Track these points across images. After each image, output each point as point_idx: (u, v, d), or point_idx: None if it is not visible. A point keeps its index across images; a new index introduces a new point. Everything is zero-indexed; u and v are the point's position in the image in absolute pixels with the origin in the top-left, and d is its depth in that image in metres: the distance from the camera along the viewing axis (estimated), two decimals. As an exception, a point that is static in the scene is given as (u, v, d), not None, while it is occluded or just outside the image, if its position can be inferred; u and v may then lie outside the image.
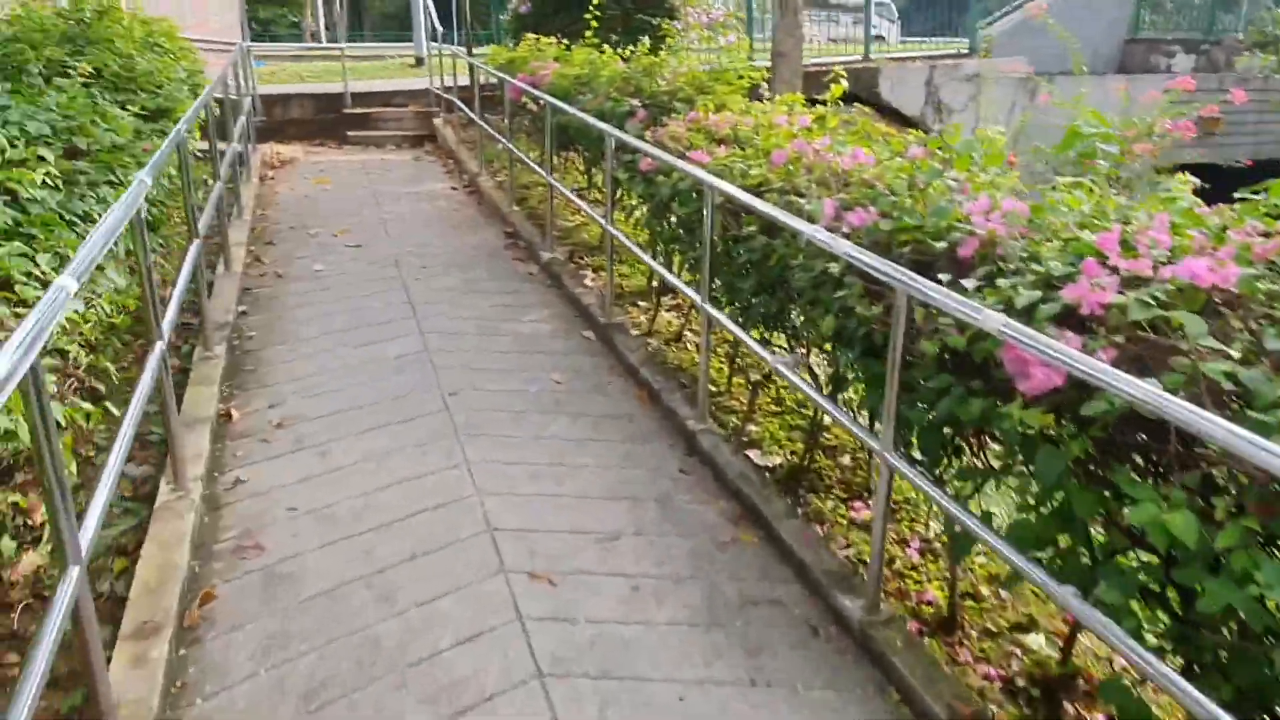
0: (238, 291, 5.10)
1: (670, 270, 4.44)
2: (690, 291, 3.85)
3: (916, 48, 15.44)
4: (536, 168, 6.31)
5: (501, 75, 7.37)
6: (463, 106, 9.08)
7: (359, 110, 10.63)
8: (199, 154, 7.16)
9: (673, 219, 4.42)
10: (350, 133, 10.37)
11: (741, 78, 5.75)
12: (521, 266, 6.00)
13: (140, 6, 7.43)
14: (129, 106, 5.29)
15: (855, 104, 7.11)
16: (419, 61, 15.16)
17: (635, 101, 5.36)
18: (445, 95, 10.17)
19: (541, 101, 6.09)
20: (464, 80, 10.14)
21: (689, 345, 4.76)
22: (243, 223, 6.41)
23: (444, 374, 4.23)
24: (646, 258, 4.50)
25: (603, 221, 4.79)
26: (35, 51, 5.50)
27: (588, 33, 8.13)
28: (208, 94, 5.14)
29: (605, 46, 7.98)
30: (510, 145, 6.96)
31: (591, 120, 5.01)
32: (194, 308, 4.44)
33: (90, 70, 5.57)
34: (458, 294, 5.38)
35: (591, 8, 8.23)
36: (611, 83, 6.08)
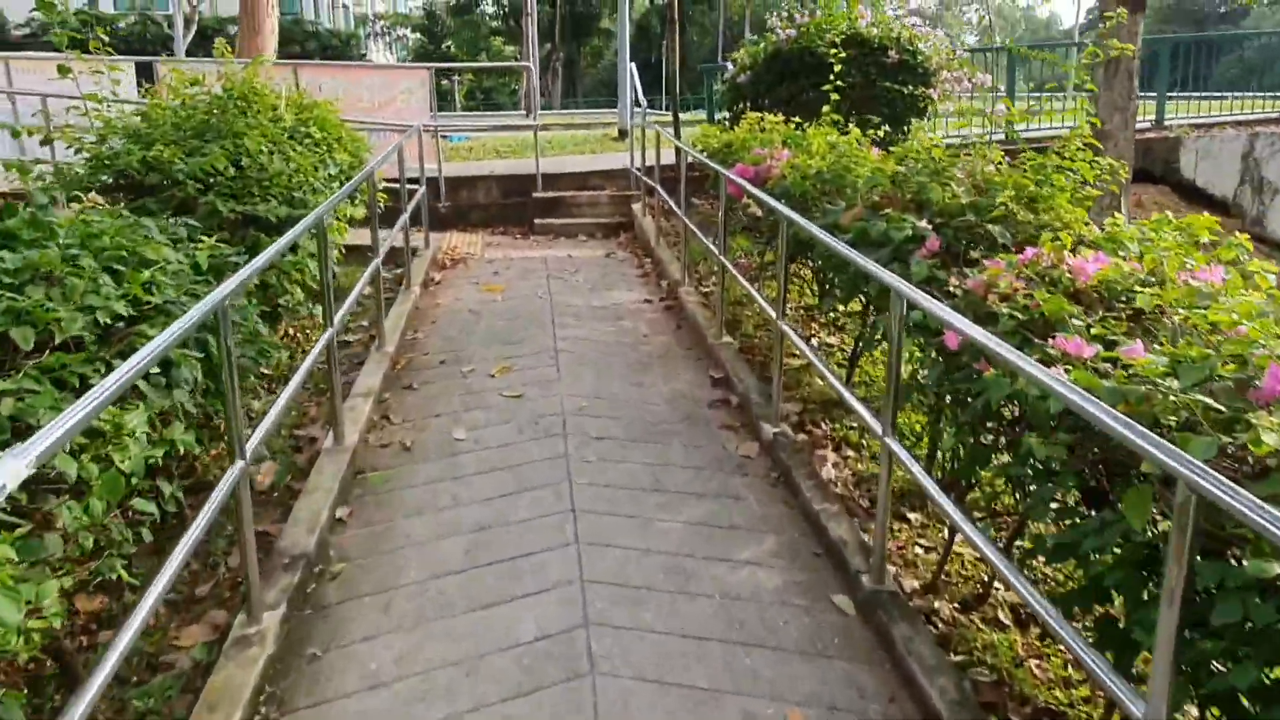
0: (341, 481, 3.65)
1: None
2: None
3: (1218, 107, 12.50)
4: (761, 301, 4.54)
5: (715, 166, 5.72)
6: (665, 195, 7.54)
7: (550, 194, 9.41)
8: (343, 250, 6.00)
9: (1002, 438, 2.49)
10: (538, 220, 9.15)
11: (1087, 183, 3.72)
12: (734, 442, 4.22)
13: (302, 92, 6.46)
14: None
15: (1149, 183, 5.23)
16: (622, 134, 14.02)
17: (922, 223, 3.50)
18: (646, 178, 8.72)
19: (769, 208, 4.34)
20: (669, 157, 8.68)
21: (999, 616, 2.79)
22: (382, 356, 5.07)
23: (608, 693, 2.49)
24: (955, 513, 2.55)
25: (875, 425, 2.92)
26: (143, 151, 4.44)
27: (825, 107, 6.39)
28: (317, 216, 3.73)
29: (847, 125, 6.21)
30: (724, 260, 5.26)
31: (853, 255, 3.18)
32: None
33: (203, 174, 4.43)
34: (641, 496, 3.67)
35: (832, 75, 6.46)
36: (873, 185, 4.25)
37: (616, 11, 46.35)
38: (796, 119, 7.30)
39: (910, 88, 7.87)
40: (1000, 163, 4.20)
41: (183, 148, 4.64)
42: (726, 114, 8.99)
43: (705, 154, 6.54)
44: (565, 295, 6.65)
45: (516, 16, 48.92)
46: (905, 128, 8.02)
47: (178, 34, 36.75)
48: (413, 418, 4.45)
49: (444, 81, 60.42)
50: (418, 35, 61.13)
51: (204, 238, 3.71)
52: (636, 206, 9.22)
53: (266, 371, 4.66)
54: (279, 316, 4.67)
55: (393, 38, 64.92)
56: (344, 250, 6.42)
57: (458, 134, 15.12)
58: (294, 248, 4.47)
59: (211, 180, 4.54)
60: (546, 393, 4.76)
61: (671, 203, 7.18)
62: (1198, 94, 12.85)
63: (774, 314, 4.12)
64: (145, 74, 9.52)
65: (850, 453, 4.31)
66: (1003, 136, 9.81)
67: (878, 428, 2.87)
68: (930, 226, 3.51)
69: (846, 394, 3.27)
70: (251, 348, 3.50)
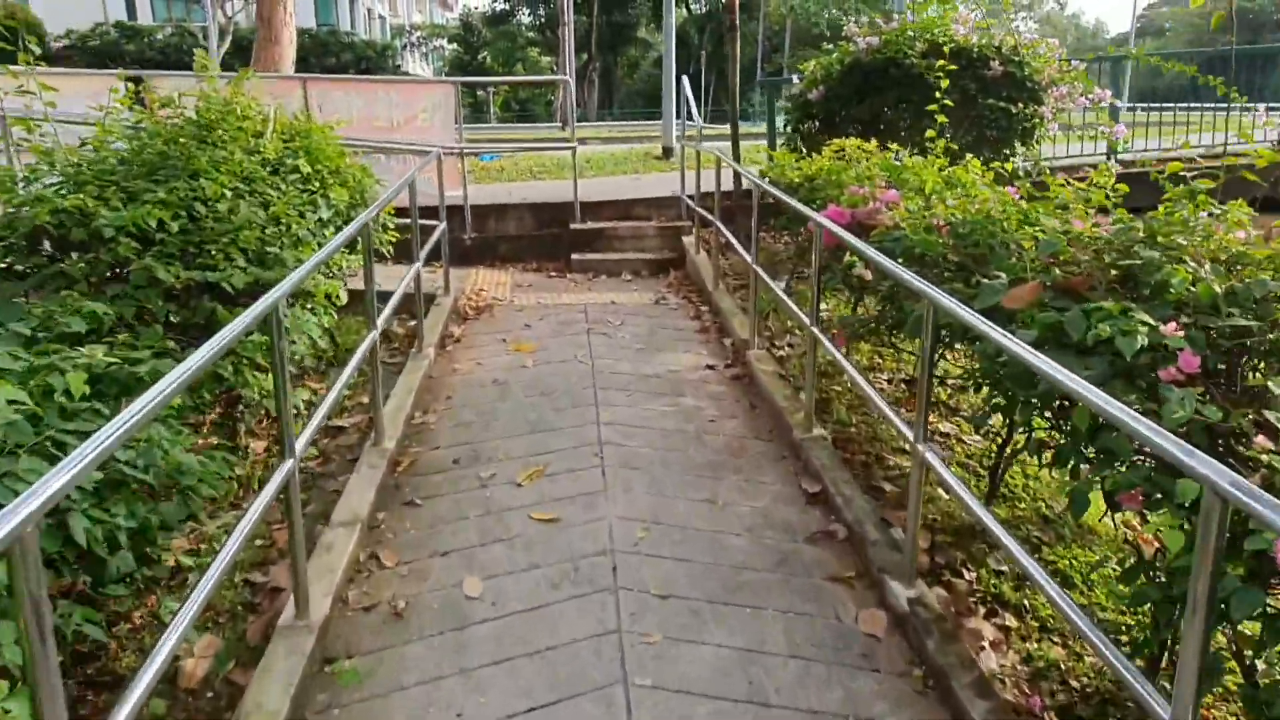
0: (297, 685, 2.51)
1: None
2: None
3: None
4: (896, 420, 3.30)
5: (799, 206, 4.53)
6: (725, 233, 6.38)
7: (589, 225, 8.28)
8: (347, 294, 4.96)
9: None
10: (576, 255, 8.02)
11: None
12: (850, 607, 3.03)
13: (301, 114, 5.42)
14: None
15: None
16: (667, 153, 12.88)
17: (1168, 327, 2.29)
18: (701, 209, 7.56)
19: (896, 279, 3.14)
20: (725, 181, 7.54)
21: None
22: (379, 455, 3.94)
23: None
24: None
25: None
26: (62, 199, 3.37)
27: (923, 130, 5.20)
28: (268, 306, 2.58)
29: (949, 152, 5.04)
30: (815, 331, 4.06)
31: (1062, 377, 1.97)
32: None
33: (141, 229, 3.36)
34: (731, 715, 2.51)
35: (938, 90, 5.27)
36: (1051, 250, 3.04)
37: (653, 22, 45.29)
38: (888, 144, 6.13)
39: (1018, 105, 6.63)
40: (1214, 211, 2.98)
41: (124, 192, 3.58)
42: (796, 136, 7.82)
43: (781, 187, 5.36)
44: (610, 357, 5.49)
45: (553, 26, 48.15)
46: (1010, 153, 6.79)
47: (212, 46, 36.35)
48: (411, 557, 3.32)
49: (479, 93, 60.00)
50: (453, 46, 60.69)
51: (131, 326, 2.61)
52: (688, 240, 8.06)
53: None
54: (240, 418, 3.58)
55: (429, 48, 64.62)
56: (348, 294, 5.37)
57: (489, 153, 14.08)
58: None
59: (157, 236, 3.47)
60: (590, 513, 3.61)
61: (736, 243, 6.02)
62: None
63: (911, 434, 2.92)
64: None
65: (1010, 618, 3.10)
66: (1117, 158, 8.52)
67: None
68: (1178, 323, 2.32)
69: (1031, 567, 2.06)
70: (167, 507, 2.39)
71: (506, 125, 39.06)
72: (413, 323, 5.68)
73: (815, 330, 4.09)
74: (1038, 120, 6.76)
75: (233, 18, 41.15)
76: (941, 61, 6.03)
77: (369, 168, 5.67)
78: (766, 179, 5.77)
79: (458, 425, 4.50)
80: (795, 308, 4.47)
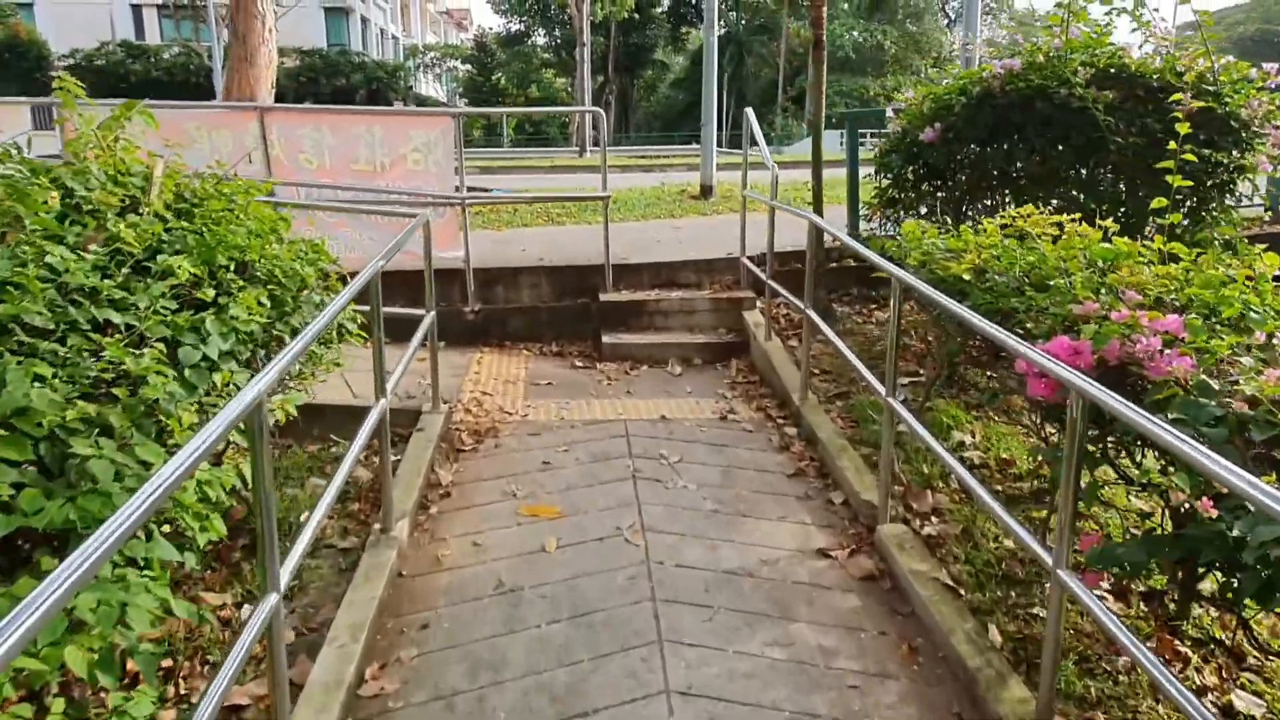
0: None
1: None
2: None
3: None
4: None
5: (1006, 338, 2.69)
6: (834, 339, 4.56)
7: (624, 295, 6.50)
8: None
9: None
10: (609, 337, 6.22)
11: None
12: None
13: (196, 178, 3.67)
14: None
15: None
16: (705, 191, 11.11)
17: None
18: (773, 281, 5.74)
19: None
20: (784, 232, 5.80)
21: None
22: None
23: None
24: None
25: None
26: None
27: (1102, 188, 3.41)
28: None
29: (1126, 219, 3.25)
30: (1068, 579, 2.24)
31: None
32: None
33: None
34: None
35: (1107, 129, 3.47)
36: None
37: (671, 44, 43.66)
38: (1040, 201, 4.37)
39: (1221, 152, 4.82)
40: None
41: None
42: (889, 184, 6.03)
43: (933, 280, 3.53)
44: (670, 529, 3.67)
45: (569, 48, 46.80)
46: (1207, 215, 4.98)
47: (216, 66, 35.00)
48: None
49: (493, 114, 58.63)
50: (467, 67, 59.49)
51: None
52: (752, 318, 6.27)
53: None
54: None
55: (443, 69, 63.47)
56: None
57: (499, 188, 12.36)
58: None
59: None
60: None
61: (854, 358, 4.20)
62: None
63: None
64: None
65: None
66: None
67: None
68: None
69: None
70: None
71: (519, 150, 37.50)
72: (377, 460, 3.87)
73: (1064, 577, 2.26)
74: (1246, 170, 4.94)
75: (239, 37, 39.84)
76: (1089, 90, 4.28)
77: (322, 245, 3.90)
78: (905, 263, 3.95)
79: (432, 691, 2.68)
80: (1012, 523, 2.63)
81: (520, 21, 54.37)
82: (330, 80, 46.80)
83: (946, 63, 59.00)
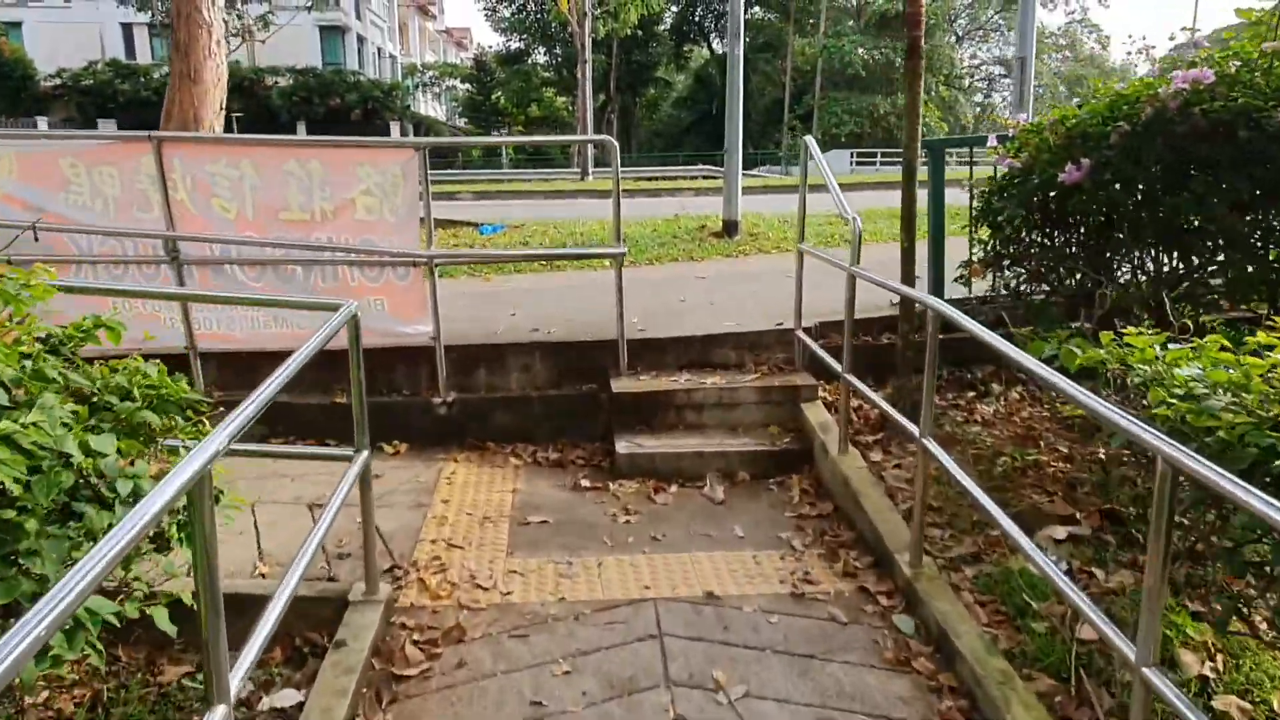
0: None
1: None
2: None
3: None
4: None
5: None
6: (958, 474, 2.98)
7: (643, 382, 4.93)
8: None
9: None
10: (624, 441, 4.64)
11: None
12: None
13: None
14: None
15: None
16: (729, 229, 9.55)
17: None
18: (851, 376, 4.16)
19: None
20: (824, 287, 4.29)
21: None
22: None
23: None
24: None
25: None
26: None
27: None
28: None
29: None
30: None
31: None
32: None
33: None
34: None
35: None
36: None
37: (674, 62, 42.28)
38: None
39: None
40: None
41: None
42: (1002, 239, 4.48)
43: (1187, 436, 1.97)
44: None
45: (569, 66, 45.47)
46: None
47: (203, 85, 33.61)
48: None
49: (492, 133, 57.36)
50: (466, 86, 58.27)
51: None
52: (813, 414, 4.69)
53: None
54: None
55: (442, 89, 62.30)
56: None
57: (490, 224, 10.83)
58: None
59: None
60: None
61: (991, 506, 2.63)
62: None
63: None
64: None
65: None
66: None
67: None
68: None
69: None
70: None
71: (519, 172, 36.06)
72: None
73: None
74: None
75: (229, 55, 38.55)
76: None
77: (162, 370, 2.35)
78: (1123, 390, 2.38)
79: None
80: None
81: (520, 40, 53.18)
82: (324, 100, 45.52)
83: (958, 79, 57.68)
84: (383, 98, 46.00)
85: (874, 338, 5.35)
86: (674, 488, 4.39)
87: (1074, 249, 4.35)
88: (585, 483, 4.44)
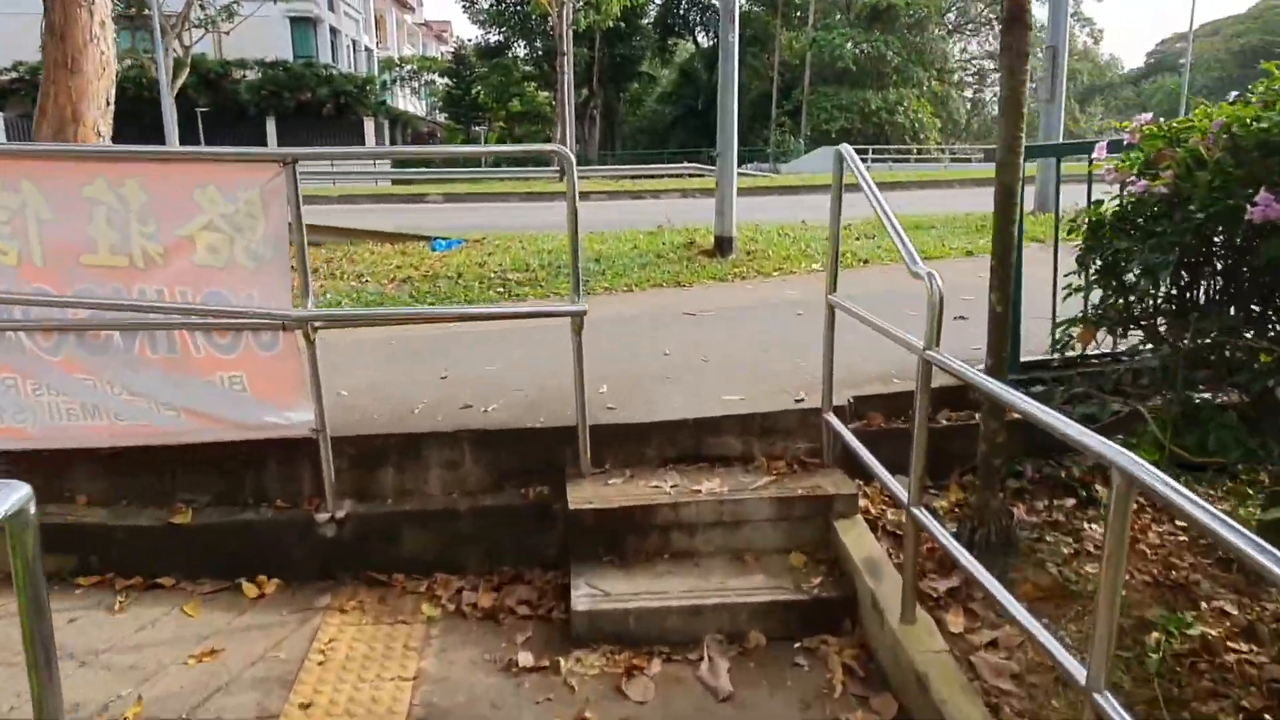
0: None
1: None
2: None
3: None
4: None
5: None
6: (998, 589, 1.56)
7: (613, 490, 3.50)
8: None
9: None
10: (584, 591, 3.21)
11: None
12: None
13: None
14: None
15: None
16: (722, 246, 8.14)
17: None
18: (897, 488, 2.76)
19: None
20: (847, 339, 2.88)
21: None
22: None
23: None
24: None
25: None
26: None
27: None
28: None
29: None
30: None
31: None
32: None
33: None
34: None
35: None
36: None
37: (659, 55, 40.76)
38: None
39: None
40: None
41: None
42: (1105, 285, 3.10)
43: None
44: None
45: (551, 59, 43.81)
46: None
47: (163, 79, 31.95)
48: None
49: (473, 128, 55.74)
50: (445, 81, 56.56)
51: None
52: (854, 539, 3.29)
53: None
54: None
55: (420, 83, 60.55)
56: None
57: (445, 239, 9.37)
58: None
59: None
60: None
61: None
62: None
63: None
64: None
65: None
66: None
67: None
68: None
69: None
70: None
71: (494, 171, 34.41)
72: None
73: None
74: None
75: (191, 47, 36.69)
76: None
77: None
78: None
79: None
80: None
81: (499, 32, 51.57)
82: (294, 94, 43.68)
83: (950, 74, 56.17)
84: (356, 92, 44.28)
85: (905, 421, 3.94)
86: (655, 666, 2.97)
87: (1248, 312, 2.95)
88: (526, 658, 3.01)
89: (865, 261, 7.90)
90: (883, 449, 3.28)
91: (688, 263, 7.81)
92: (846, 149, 3.38)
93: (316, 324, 3.37)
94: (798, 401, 3.88)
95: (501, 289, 7.04)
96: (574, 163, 3.34)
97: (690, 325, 5.60)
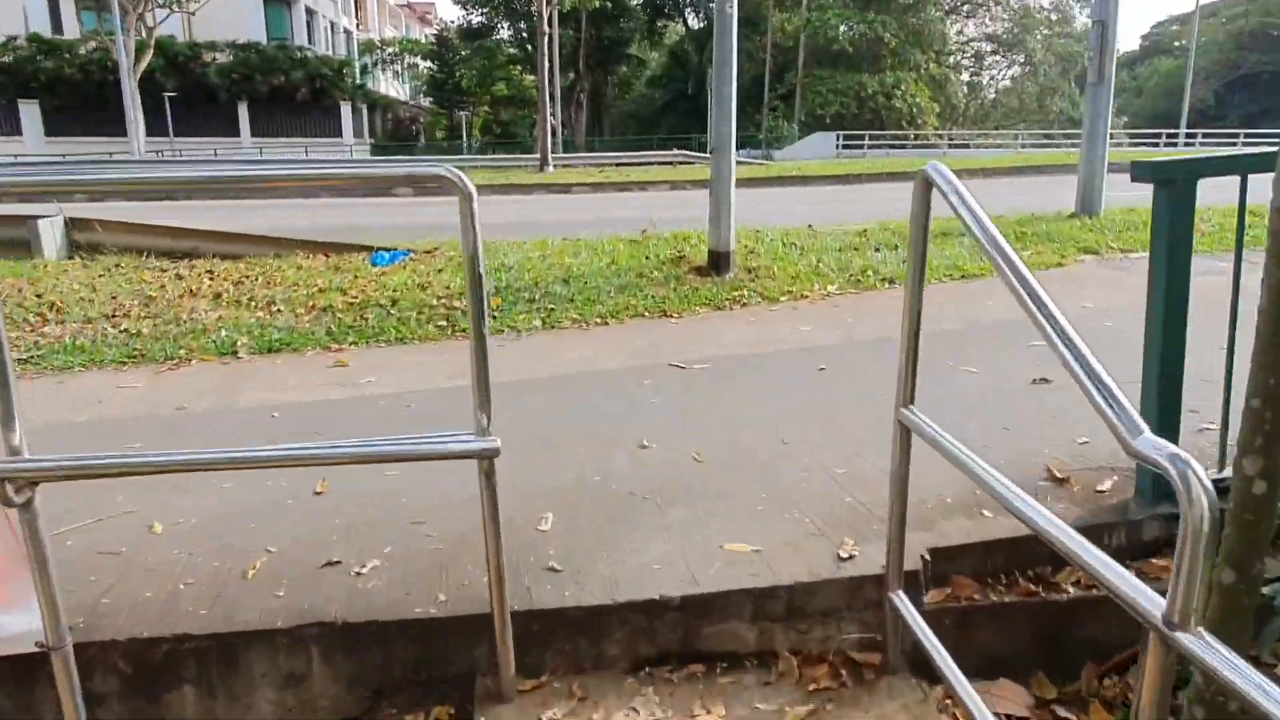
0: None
1: None
2: None
3: None
4: None
5: None
6: None
7: (551, 726, 2.14)
8: None
9: None
10: None
11: None
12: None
13: None
14: None
15: None
16: (718, 263, 6.71)
17: None
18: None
19: None
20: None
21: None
22: None
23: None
24: None
25: None
26: None
27: None
28: None
29: None
30: None
31: None
32: None
33: None
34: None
35: None
36: None
37: (647, 38, 39.24)
38: None
39: None
40: None
41: None
42: None
43: None
44: None
45: (535, 41, 42.22)
46: None
47: (123, 62, 30.16)
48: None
49: (457, 113, 54.01)
50: (428, 64, 54.81)
51: None
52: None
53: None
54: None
55: (403, 66, 58.71)
56: None
57: (387, 250, 7.94)
58: None
59: None
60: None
61: None
62: None
63: None
64: None
65: None
66: None
67: None
68: None
69: None
70: None
71: (477, 158, 32.82)
72: None
73: None
74: None
75: (155, 28, 34.82)
76: None
77: None
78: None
79: None
80: None
81: (482, 13, 49.81)
82: (266, 78, 41.87)
83: (948, 56, 54.47)
84: (332, 76, 42.57)
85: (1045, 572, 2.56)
86: None
87: None
88: None
89: (889, 281, 6.52)
90: (981, 633, 1.94)
91: (676, 284, 6.41)
92: (937, 169, 1.97)
93: (40, 476, 1.96)
94: (843, 559, 2.49)
95: (444, 322, 5.64)
96: (473, 194, 1.93)
97: (678, 387, 4.21)
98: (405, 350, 5.16)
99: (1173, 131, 35.94)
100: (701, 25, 51.61)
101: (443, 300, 6.08)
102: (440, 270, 7.07)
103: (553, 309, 5.88)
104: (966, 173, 21.91)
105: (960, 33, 51.94)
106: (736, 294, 6.18)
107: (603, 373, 4.48)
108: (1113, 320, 5.08)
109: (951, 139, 40.51)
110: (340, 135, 42.67)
